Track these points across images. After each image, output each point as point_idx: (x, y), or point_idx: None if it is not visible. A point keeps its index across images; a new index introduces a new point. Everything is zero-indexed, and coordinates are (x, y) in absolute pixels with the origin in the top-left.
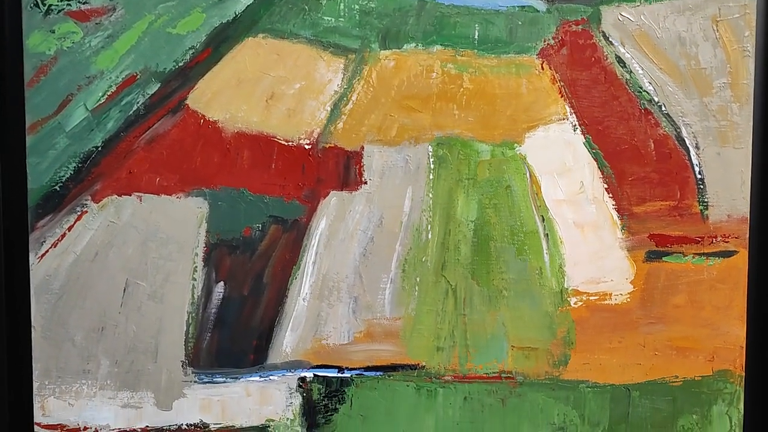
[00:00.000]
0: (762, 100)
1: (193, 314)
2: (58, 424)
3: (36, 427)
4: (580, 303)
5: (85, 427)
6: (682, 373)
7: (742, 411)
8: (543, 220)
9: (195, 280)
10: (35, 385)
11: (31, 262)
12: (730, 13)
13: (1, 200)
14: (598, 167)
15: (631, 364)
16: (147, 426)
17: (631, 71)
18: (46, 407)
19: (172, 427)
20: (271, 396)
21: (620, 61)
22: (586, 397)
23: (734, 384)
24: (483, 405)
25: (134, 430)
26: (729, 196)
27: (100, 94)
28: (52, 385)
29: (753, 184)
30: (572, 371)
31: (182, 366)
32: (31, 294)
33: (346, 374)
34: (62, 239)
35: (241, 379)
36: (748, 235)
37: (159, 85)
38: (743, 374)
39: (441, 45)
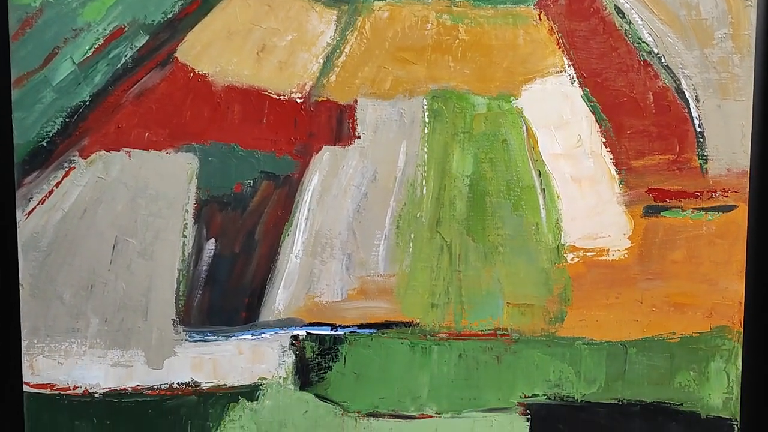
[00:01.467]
0: (764, 51)
1: (184, 272)
2: (47, 384)
3: (25, 386)
4: (577, 259)
5: (74, 386)
6: (679, 330)
7: (740, 368)
8: (540, 174)
9: (185, 237)
10: (24, 344)
11: (18, 219)
12: None
13: None
14: (596, 120)
15: (628, 321)
16: (138, 385)
17: (630, 22)
18: (35, 366)
19: (163, 386)
20: (264, 354)
21: (619, 11)
22: (583, 354)
23: (732, 340)
24: (478, 362)
25: (125, 389)
26: (729, 150)
27: (87, 47)
28: (41, 344)
29: (753, 137)
30: (568, 328)
31: (173, 324)
32: (19, 251)
33: (340, 332)
34: (50, 196)
35: (233, 338)
36: (748, 190)
37: (147, 37)
38: (741, 330)
39: None
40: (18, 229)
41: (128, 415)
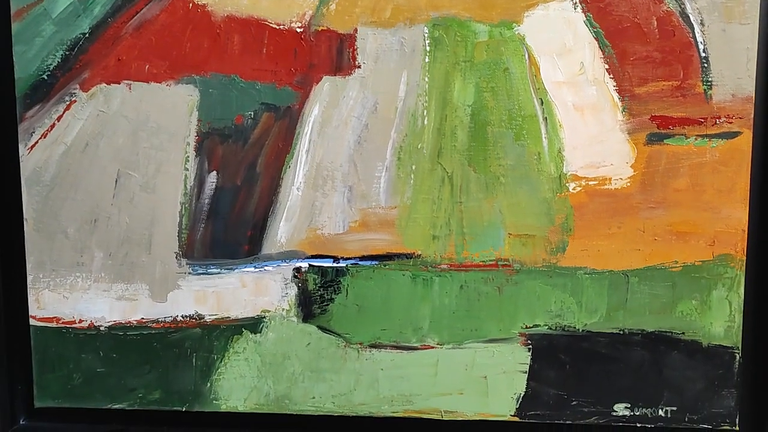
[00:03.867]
0: None
1: (186, 205)
2: (53, 317)
3: (31, 320)
4: (579, 188)
5: (80, 320)
6: (681, 259)
7: (743, 296)
8: (542, 103)
9: (187, 170)
10: (29, 278)
11: (20, 154)
12: None
13: None
14: (599, 47)
15: (630, 250)
16: (142, 318)
17: None
18: (41, 300)
19: (167, 319)
20: (267, 287)
21: None
22: (584, 284)
23: (735, 268)
24: (479, 293)
25: (129, 322)
26: (734, 75)
27: None
28: (46, 278)
29: (759, 62)
30: (570, 258)
31: (176, 257)
32: (22, 186)
33: (342, 264)
34: (52, 130)
35: (236, 270)
36: (752, 116)
37: None
38: (744, 258)
39: None
40: (21, 164)
41: (133, 347)
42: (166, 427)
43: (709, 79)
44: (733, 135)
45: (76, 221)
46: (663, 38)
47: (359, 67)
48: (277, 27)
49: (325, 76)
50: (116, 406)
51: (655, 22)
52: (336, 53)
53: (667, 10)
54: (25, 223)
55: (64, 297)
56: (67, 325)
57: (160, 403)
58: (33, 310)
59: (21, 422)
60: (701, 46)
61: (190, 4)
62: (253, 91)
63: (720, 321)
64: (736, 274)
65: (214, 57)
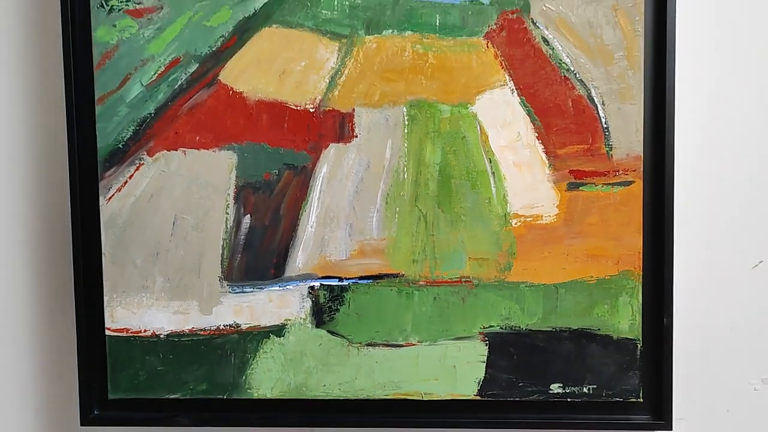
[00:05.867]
0: (650, 67)
1: (227, 240)
2: (123, 328)
3: (106, 331)
4: (519, 223)
5: (144, 330)
6: (596, 274)
7: (641, 301)
8: (490, 161)
9: (228, 214)
10: (105, 298)
11: (101, 204)
12: (625, 3)
13: (78, 156)
14: (531, 121)
15: (558, 269)
16: (192, 327)
17: (553, 48)
18: (114, 315)
19: (212, 328)
20: (288, 301)
21: (545, 40)
22: (525, 295)
23: (634, 281)
24: (448, 303)
25: (183, 331)
26: (627, 140)
27: (152, 73)
28: (119, 298)
29: (645, 130)
30: (514, 275)
31: (219, 280)
32: (101, 228)
33: (345, 283)
34: (125, 185)
35: (265, 289)
36: (642, 169)
37: (197, 65)
38: (641, 273)
39: (411, 31)
40: (101, 211)
41: (185, 350)
42: (211, 412)
43: (610, 143)
44: (629, 183)
45: (142, 254)
46: (576, 114)
47: (356, 136)
48: (295, 108)
49: (332, 143)
50: (172, 396)
51: (570, 103)
52: (339, 127)
53: (578, 94)
54: (103, 256)
55: (132, 312)
56: (134, 334)
57: (206, 393)
58: (108, 323)
59: (95, 412)
60: (603, 120)
61: (230, 92)
62: (277, 155)
63: (625, 320)
64: (636, 285)
65: (248, 130)
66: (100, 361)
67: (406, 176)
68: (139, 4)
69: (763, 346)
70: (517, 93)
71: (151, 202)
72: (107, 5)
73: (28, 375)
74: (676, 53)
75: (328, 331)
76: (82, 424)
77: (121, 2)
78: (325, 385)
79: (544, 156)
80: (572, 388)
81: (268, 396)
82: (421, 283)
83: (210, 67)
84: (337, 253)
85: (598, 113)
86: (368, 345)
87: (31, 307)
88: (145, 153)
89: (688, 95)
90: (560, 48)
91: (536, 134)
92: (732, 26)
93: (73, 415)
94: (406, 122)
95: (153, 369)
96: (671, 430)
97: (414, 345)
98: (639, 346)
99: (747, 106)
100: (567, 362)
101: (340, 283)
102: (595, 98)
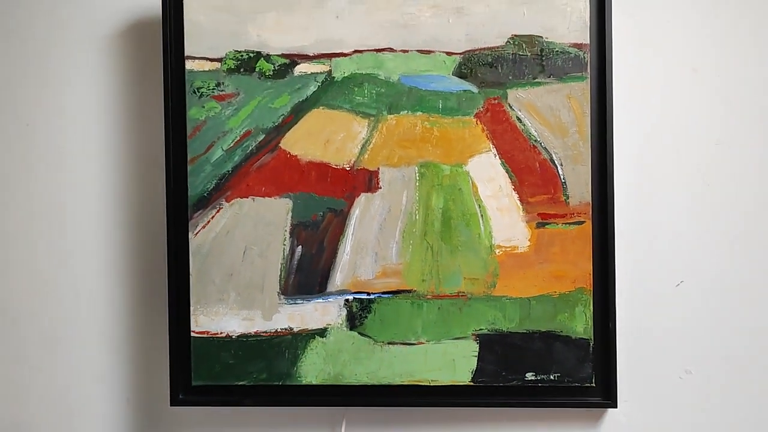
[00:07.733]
0: (595, 138)
1: (284, 264)
2: (204, 331)
3: (192, 333)
4: (501, 252)
5: (220, 332)
6: (558, 290)
7: (592, 310)
8: (479, 207)
9: (285, 245)
10: (191, 308)
11: (189, 238)
12: (576, 92)
13: (174, 202)
14: (509, 177)
15: (530, 286)
16: (257, 330)
17: (524, 125)
18: (198, 321)
19: (271, 331)
20: (329, 310)
21: (519, 119)
22: (506, 305)
23: (587, 295)
24: (449, 311)
25: (249, 333)
26: (579, 192)
27: (230, 141)
28: (201, 308)
29: (592, 184)
30: (498, 290)
31: (278, 295)
32: (190, 256)
33: (372, 296)
34: (208, 224)
35: (312, 301)
36: (591, 213)
37: (264, 135)
38: (591, 289)
39: (421, 111)
40: (189, 243)
41: (251, 348)
42: (269, 395)
43: (567, 194)
44: (581, 223)
45: (220, 275)
46: (542, 172)
47: (381, 188)
48: (336, 167)
49: (362, 193)
50: (240, 383)
51: (538, 164)
52: (368, 181)
53: (543, 158)
54: (190, 276)
55: (211, 319)
56: (213, 336)
57: (266, 380)
58: (193, 327)
59: (181, 396)
60: (562, 177)
61: (288, 155)
62: (322, 202)
63: (580, 324)
64: (588, 298)
65: (301, 183)
66: (186, 356)
67: (417, 217)
68: (222, 91)
69: (686, 345)
70: (499, 157)
71: (227, 236)
72: (198, 92)
73: (126, 369)
74: (614, 128)
75: (359, 333)
76: (171, 405)
77: (209, 90)
78: (356, 374)
79: (519, 203)
80: (542, 376)
81: (314, 383)
82: (428, 296)
83: (273, 137)
84: (366, 274)
85: (558, 172)
86: (389, 343)
87: (135, 316)
88: (224, 200)
89: (624, 158)
90: (530, 125)
91: (513, 187)
92: (661, 106)
93: (164, 398)
94: (418, 178)
95: (226, 362)
96: (617, 407)
97: (423, 344)
98: (591, 344)
99: (671, 167)
100: (538, 356)
101: (368, 297)
102: (555, 161)
